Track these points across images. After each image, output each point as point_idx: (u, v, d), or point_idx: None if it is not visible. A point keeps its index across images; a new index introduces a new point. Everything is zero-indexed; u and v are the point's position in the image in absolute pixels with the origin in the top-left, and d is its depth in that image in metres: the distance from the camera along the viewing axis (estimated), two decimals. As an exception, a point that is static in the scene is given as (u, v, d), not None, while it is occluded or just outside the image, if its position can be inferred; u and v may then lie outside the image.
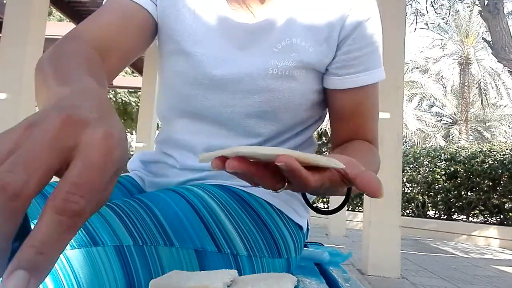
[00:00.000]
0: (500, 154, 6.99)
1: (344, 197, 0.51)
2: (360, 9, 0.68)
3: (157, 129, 7.10)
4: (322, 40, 0.68)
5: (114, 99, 15.73)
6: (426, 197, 7.82)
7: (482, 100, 19.86)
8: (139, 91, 10.51)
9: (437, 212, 7.91)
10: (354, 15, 0.68)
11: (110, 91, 15.17)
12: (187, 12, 0.70)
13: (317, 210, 0.57)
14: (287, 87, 0.68)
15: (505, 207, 6.97)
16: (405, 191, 7.90)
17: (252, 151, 0.38)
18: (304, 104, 0.71)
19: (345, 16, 0.68)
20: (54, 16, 12.81)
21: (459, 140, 18.29)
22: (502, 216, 7.03)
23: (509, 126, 21.84)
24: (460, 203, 7.42)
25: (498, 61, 8.26)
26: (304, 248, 0.93)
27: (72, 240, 0.46)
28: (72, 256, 0.46)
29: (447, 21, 19.43)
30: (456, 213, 7.70)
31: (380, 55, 0.72)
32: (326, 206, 8.70)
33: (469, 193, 7.36)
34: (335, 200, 6.32)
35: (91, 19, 0.64)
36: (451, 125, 21.65)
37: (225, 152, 0.40)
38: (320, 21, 0.68)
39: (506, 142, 13.78)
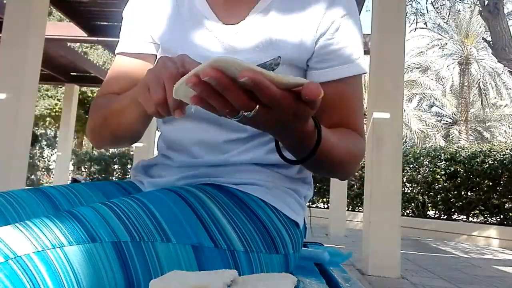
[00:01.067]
0: (500, 154, 6.99)
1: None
2: (337, 6, 0.73)
3: (157, 129, 7.10)
4: (301, 37, 0.73)
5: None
6: (426, 197, 7.82)
7: (482, 100, 19.87)
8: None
9: (437, 212, 7.91)
10: (331, 11, 0.73)
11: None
12: (174, 18, 0.77)
13: (286, 159, 0.62)
14: None
15: (505, 207, 6.97)
16: (405, 191, 7.90)
17: (221, 59, 0.40)
18: None
19: (322, 13, 0.73)
20: (54, 16, 12.81)
21: (459, 140, 18.29)
22: (502, 216, 7.03)
23: (509, 126, 21.85)
24: (460, 203, 7.42)
25: (498, 61, 8.26)
26: (304, 248, 0.93)
27: (70, 237, 0.48)
28: (71, 253, 0.47)
29: (447, 21, 19.43)
30: (456, 213, 7.70)
31: (357, 49, 0.75)
32: (326, 206, 8.70)
33: (469, 193, 7.36)
34: (335, 200, 6.32)
35: (105, 83, 0.83)
36: (451, 125, 21.67)
37: (197, 69, 0.42)
38: (299, 19, 0.73)
39: (506, 142, 13.79)
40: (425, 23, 14.53)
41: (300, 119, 0.50)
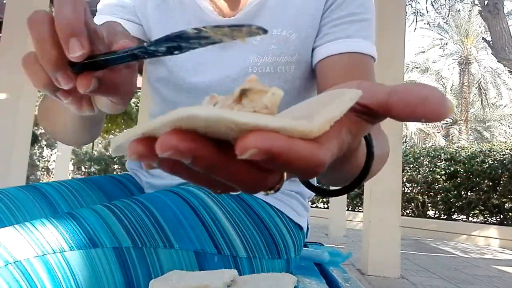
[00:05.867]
0: (500, 154, 6.99)
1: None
2: None
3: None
4: (308, 22, 0.65)
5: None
6: (426, 197, 7.82)
7: (482, 100, 19.87)
8: (139, 91, 10.50)
9: (437, 212, 7.90)
10: None
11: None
12: (165, 17, 0.69)
13: (324, 191, 0.42)
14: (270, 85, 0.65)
15: (505, 207, 6.97)
16: (405, 191, 7.90)
17: (193, 114, 0.19)
18: (292, 103, 0.69)
19: None
20: (54, 16, 12.80)
21: (459, 140, 18.28)
22: (502, 216, 7.03)
23: (509, 126, 21.84)
24: (460, 203, 7.42)
25: (498, 61, 8.26)
26: (304, 248, 0.93)
27: (71, 242, 0.47)
28: (71, 258, 0.46)
29: (447, 21, 19.43)
30: (456, 213, 7.70)
31: (368, 27, 0.65)
32: (325, 206, 8.69)
33: (469, 193, 7.36)
34: (335, 200, 6.32)
35: None
36: (451, 125, 21.66)
37: (149, 127, 0.21)
38: (303, 3, 0.65)
39: (506, 142, 13.77)
40: (428, 23, 14.53)
41: (351, 160, 0.35)
